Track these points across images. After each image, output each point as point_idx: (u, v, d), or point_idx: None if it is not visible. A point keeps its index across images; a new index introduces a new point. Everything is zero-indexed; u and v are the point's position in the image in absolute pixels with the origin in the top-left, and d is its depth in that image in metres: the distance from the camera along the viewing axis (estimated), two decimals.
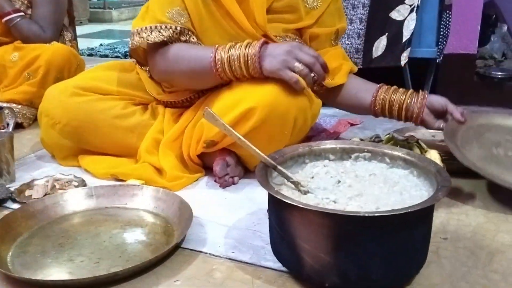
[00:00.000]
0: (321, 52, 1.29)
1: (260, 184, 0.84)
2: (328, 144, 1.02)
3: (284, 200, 0.79)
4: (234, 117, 1.14)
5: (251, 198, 1.17)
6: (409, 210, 0.76)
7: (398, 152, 0.98)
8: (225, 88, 1.25)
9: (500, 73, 1.98)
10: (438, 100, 1.29)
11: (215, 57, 1.18)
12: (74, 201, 1.12)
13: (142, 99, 1.38)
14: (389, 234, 0.78)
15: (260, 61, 1.15)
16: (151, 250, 0.96)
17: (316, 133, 1.59)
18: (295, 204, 0.78)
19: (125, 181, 1.25)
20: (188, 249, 0.97)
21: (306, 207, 0.77)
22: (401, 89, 1.34)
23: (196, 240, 1.00)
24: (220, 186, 1.24)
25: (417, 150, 1.19)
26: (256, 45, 1.16)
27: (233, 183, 1.26)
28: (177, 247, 0.97)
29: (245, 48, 1.17)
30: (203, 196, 1.20)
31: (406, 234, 0.79)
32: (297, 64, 1.15)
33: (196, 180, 1.28)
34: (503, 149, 1.19)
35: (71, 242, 0.99)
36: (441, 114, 1.29)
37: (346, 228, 0.77)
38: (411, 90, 1.33)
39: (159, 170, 1.27)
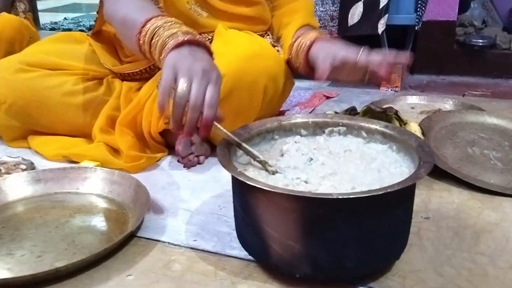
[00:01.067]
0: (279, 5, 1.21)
1: (221, 165, 0.74)
2: (300, 118, 0.92)
3: (247, 182, 0.69)
4: None
5: (217, 179, 1.07)
6: (388, 191, 0.66)
7: (376, 125, 0.89)
8: None
9: (480, 40, 1.90)
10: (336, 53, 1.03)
11: (144, 24, 0.92)
12: (19, 187, 1.01)
13: (96, 73, 1.26)
14: (365, 218, 0.69)
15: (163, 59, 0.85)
16: (102, 240, 0.85)
17: (289, 106, 1.50)
18: (259, 186, 0.68)
19: (79, 163, 1.14)
20: (144, 238, 0.87)
21: (271, 190, 0.67)
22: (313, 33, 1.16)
23: (154, 228, 0.89)
24: (184, 167, 1.14)
25: (396, 123, 1.11)
26: (173, 40, 0.86)
27: (199, 163, 1.16)
28: (132, 236, 0.87)
29: (169, 37, 0.88)
30: (164, 178, 1.09)
31: (384, 216, 0.71)
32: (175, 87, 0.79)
33: (158, 161, 1.18)
34: (478, 147, 1.14)
35: (12, 233, 0.88)
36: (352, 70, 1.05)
37: (317, 213, 0.68)
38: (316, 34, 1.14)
39: (116, 151, 1.16)
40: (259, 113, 1.11)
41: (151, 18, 0.92)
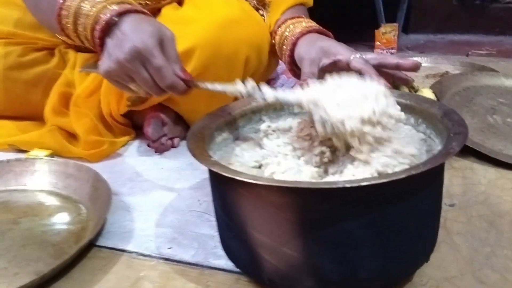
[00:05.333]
0: None
1: (191, 154, 0.57)
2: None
3: (225, 174, 0.52)
4: None
5: (196, 166, 0.89)
6: (412, 173, 0.49)
7: None
8: None
9: None
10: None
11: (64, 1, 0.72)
12: None
13: (47, 43, 1.05)
14: (383, 211, 0.52)
15: (100, 48, 0.69)
16: (53, 253, 0.67)
17: (274, 75, 1.31)
18: (239, 178, 0.50)
19: (28, 152, 0.94)
20: (105, 247, 0.69)
21: (256, 182, 0.50)
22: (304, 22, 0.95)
23: (118, 233, 0.72)
24: (155, 152, 0.96)
25: (405, 90, 0.93)
26: (104, 16, 0.68)
27: (173, 147, 0.98)
28: (91, 245, 0.69)
29: (102, 10, 0.68)
30: (131, 167, 0.91)
31: (407, 208, 0.53)
32: (131, 86, 0.70)
33: (123, 145, 0.99)
34: (499, 115, 0.98)
35: None
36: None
37: (318, 209, 0.51)
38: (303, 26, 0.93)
39: (73, 136, 0.97)
40: None
41: None
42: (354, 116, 0.56)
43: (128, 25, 0.66)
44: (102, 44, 0.68)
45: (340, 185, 0.48)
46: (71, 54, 1.03)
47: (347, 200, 0.51)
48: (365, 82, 0.60)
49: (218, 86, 0.67)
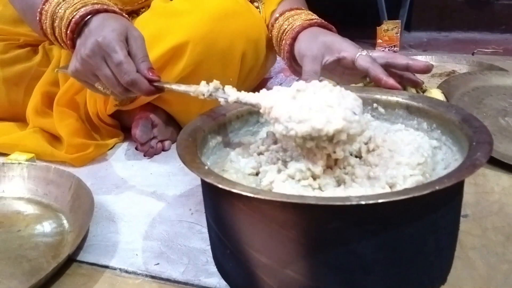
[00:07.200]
0: None
1: (181, 161, 0.51)
2: None
3: (220, 186, 0.46)
4: (156, 59, 0.79)
5: (188, 171, 0.82)
6: (437, 188, 0.43)
7: (397, 97, 0.65)
8: (143, 17, 0.88)
9: None
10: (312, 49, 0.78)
11: (43, 5, 0.70)
12: None
13: (29, 38, 0.98)
14: (398, 231, 0.46)
15: (73, 50, 0.68)
16: (28, 270, 0.61)
17: (272, 73, 1.25)
18: (237, 191, 0.44)
19: (8, 155, 0.88)
20: (86, 263, 0.63)
21: (256, 196, 0.44)
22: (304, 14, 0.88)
23: (101, 247, 0.66)
24: (144, 155, 0.90)
25: (412, 90, 0.87)
26: (76, 15, 0.67)
27: (164, 150, 0.92)
28: (70, 260, 0.63)
29: (73, 12, 0.67)
30: (118, 172, 0.85)
31: (425, 226, 0.48)
32: (98, 86, 0.68)
33: (110, 148, 0.93)
34: None
35: None
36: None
37: (327, 228, 0.45)
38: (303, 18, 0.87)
39: (56, 138, 0.91)
40: (237, 87, 0.86)
41: None
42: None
43: (95, 22, 0.66)
44: (74, 46, 0.67)
45: (354, 202, 0.42)
46: (56, 51, 0.97)
47: (360, 218, 0.45)
48: (337, 92, 0.54)
49: (182, 87, 0.63)
